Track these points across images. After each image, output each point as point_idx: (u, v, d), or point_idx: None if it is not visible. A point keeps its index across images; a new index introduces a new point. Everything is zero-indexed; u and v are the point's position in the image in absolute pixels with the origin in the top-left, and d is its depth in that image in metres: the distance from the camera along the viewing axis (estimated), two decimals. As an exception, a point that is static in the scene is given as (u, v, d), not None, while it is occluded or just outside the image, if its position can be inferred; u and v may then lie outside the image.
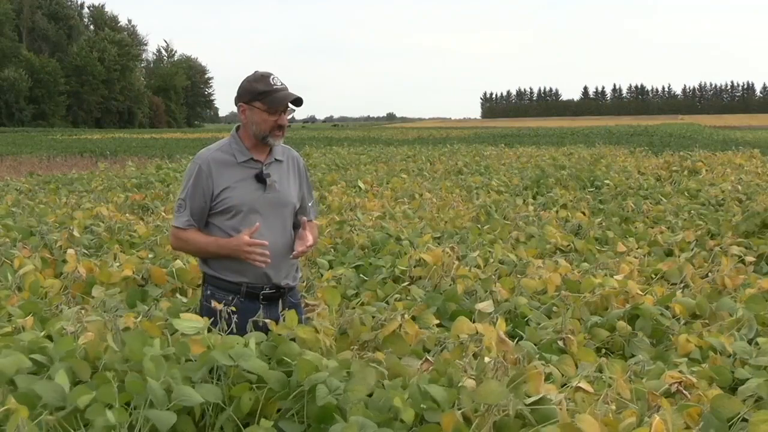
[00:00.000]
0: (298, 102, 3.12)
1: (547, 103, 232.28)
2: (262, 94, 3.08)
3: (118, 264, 4.92)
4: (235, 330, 2.75)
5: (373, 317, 3.41)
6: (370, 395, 2.37)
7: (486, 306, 3.52)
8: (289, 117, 3.17)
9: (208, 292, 3.19)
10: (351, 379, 2.37)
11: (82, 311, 3.12)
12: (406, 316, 3.31)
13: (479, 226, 7.57)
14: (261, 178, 3.14)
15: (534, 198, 10.82)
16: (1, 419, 2.12)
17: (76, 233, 6.09)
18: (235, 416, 2.33)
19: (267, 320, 2.89)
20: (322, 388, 2.29)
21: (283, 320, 2.90)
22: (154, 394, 2.21)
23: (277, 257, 3.13)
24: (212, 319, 2.71)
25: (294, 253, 3.15)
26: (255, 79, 3.11)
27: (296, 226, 3.37)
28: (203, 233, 3.17)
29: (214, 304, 2.94)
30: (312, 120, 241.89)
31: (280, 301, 3.21)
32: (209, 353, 2.41)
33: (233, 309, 2.93)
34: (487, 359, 2.41)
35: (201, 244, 3.15)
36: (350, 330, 3.36)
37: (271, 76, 3.10)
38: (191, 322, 2.62)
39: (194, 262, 5.04)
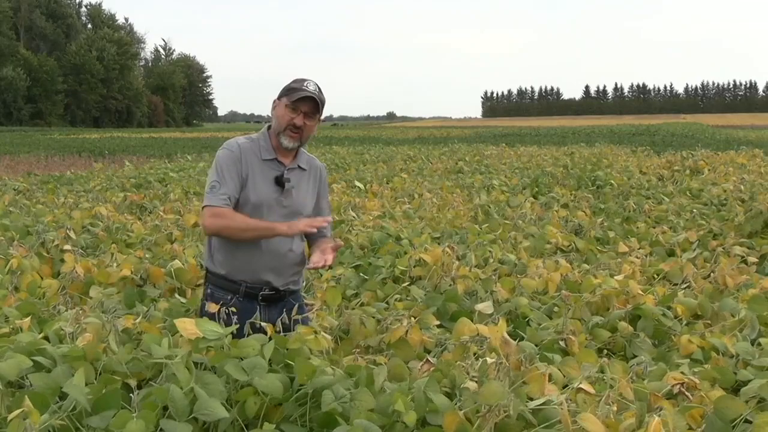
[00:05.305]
0: (311, 101, 3.08)
1: (548, 103, 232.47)
2: (289, 90, 3.12)
3: (116, 264, 4.88)
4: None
5: (379, 321, 3.37)
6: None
7: (485, 307, 3.49)
8: (312, 123, 3.12)
9: (209, 291, 3.18)
10: (357, 389, 2.35)
11: (81, 312, 3.10)
12: (413, 320, 3.28)
13: (478, 226, 7.53)
14: (280, 181, 3.12)
15: (535, 197, 10.78)
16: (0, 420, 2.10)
17: (72, 234, 6.04)
18: (239, 419, 2.31)
19: (264, 323, 2.87)
20: (328, 394, 2.28)
21: (284, 321, 2.88)
22: (175, 405, 2.17)
23: (281, 263, 3.12)
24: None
25: (309, 265, 3.09)
26: (293, 80, 3.16)
27: (308, 237, 3.32)
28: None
29: (211, 304, 2.95)
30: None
31: (281, 302, 3.17)
32: (223, 366, 2.39)
33: (233, 309, 2.95)
34: (489, 360, 2.38)
35: (248, 220, 3.02)
36: (352, 332, 3.33)
37: (307, 81, 3.12)
38: (214, 326, 2.58)
39: (193, 261, 5.01)
